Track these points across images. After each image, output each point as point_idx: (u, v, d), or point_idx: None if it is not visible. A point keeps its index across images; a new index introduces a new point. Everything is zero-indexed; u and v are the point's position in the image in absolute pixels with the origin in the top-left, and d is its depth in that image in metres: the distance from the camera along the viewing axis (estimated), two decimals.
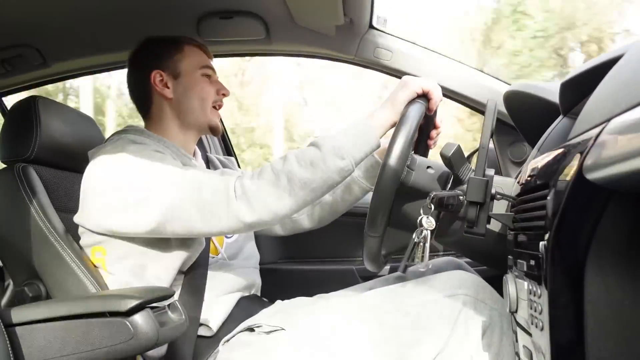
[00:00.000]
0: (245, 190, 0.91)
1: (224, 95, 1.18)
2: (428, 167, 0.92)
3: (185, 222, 0.93)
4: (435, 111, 1.01)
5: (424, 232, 0.81)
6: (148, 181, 0.94)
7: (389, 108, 0.94)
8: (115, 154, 0.99)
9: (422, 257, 0.82)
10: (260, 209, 0.90)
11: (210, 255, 1.10)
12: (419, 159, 0.94)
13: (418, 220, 0.81)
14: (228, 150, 1.84)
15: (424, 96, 0.95)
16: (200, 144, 1.65)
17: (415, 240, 0.82)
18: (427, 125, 1.07)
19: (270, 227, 1.28)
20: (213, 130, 1.17)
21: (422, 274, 1.09)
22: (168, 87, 1.13)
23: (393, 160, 0.83)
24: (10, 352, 0.79)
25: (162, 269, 1.01)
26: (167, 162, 0.98)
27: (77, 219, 1.04)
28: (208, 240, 1.09)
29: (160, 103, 1.15)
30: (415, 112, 0.89)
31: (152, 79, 1.13)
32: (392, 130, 0.90)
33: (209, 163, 1.28)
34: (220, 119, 1.20)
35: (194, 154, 1.20)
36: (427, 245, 0.81)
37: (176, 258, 1.02)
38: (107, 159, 0.99)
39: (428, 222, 0.81)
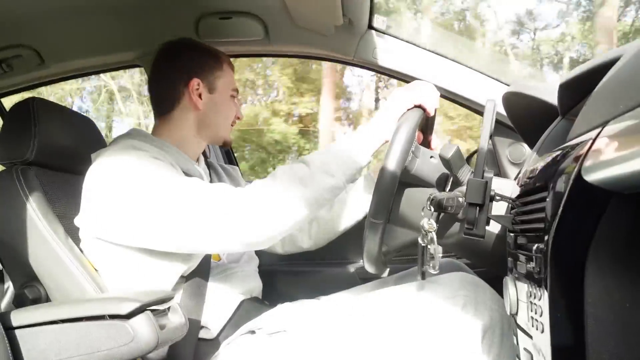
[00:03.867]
0: (240, 211, 0.90)
1: (239, 118, 1.22)
2: (431, 157, 0.92)
3: (180, 240, 0.92)
4: (432, 117, 1.01)
5: (429, 234, 0.80)
6: (145, 195, 0.92)
7: (382, 124, 0.94)
8: (115, 161, 0.97)
9: (433, 258, 0.81)
10: (254, 229, 0.90)
11: (213, 260, 1.10)
12: (422, 148, 0.94)
13: (420, 224, 0.81)
14: (230, 158, 1.83)
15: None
16: None
17: (422, 244, 0.81)
18: (423, 131, 1.07)
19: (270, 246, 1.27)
20: (226, 143, 1.21)
21: None
22: (201, 99, 1.13)
23: (398, 143, 0.82)
24: (10, 354, 0.79)
25: (163, 277, 1.01)
26: (165, 173, 0.96)
27: (77, 221, 1.03)
28: None
29: (186, 109, 1.14)
30: (414, 115, 0.89)
31: (191, 86, 1.12)
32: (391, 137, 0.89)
33: (209, 169, 1.27)
34: None
35: (198, 160, 1.20)
36: (436, 246, 0.80)
37: (177, 266, 1.01)
38: (107, 165, 0.97)
39: (429, 224, 0.80)
